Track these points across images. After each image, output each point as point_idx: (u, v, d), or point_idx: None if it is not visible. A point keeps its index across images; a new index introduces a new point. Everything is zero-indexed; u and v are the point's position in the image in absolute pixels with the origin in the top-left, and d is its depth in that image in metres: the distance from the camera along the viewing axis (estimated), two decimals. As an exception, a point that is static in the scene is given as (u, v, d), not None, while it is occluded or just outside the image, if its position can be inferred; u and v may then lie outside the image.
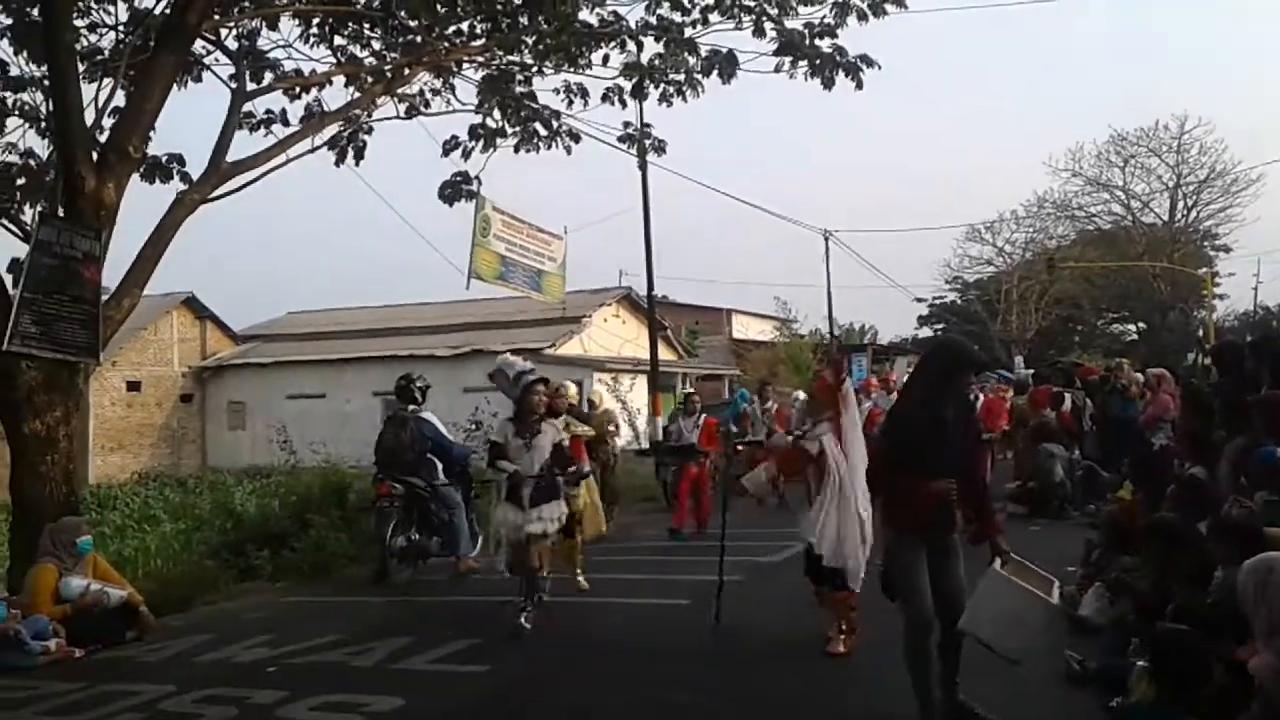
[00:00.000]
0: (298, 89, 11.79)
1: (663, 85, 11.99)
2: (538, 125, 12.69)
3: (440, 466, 10.38)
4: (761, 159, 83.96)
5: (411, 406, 10.41)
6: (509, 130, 12.63)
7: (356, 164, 12.34)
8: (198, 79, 11.32)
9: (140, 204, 9.70)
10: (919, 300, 51.28)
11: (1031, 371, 22.82)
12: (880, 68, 10.98)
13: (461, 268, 16.54)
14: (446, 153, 12.50)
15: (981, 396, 9.38)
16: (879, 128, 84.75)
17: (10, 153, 10.88)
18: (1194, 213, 45.70)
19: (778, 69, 11.15)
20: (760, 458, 13.56)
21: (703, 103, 12.04)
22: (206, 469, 31.52)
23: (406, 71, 12.00)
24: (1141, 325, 48.95)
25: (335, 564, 11.44)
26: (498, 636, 7.53)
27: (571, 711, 5.74)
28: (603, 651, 7.22)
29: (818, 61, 10.91)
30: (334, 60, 11.82)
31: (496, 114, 12.50)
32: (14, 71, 10.55)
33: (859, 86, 10.96)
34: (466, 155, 12.54)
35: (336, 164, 12.18)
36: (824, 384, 6.77)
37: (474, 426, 15.12)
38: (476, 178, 12.90)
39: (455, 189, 12.73)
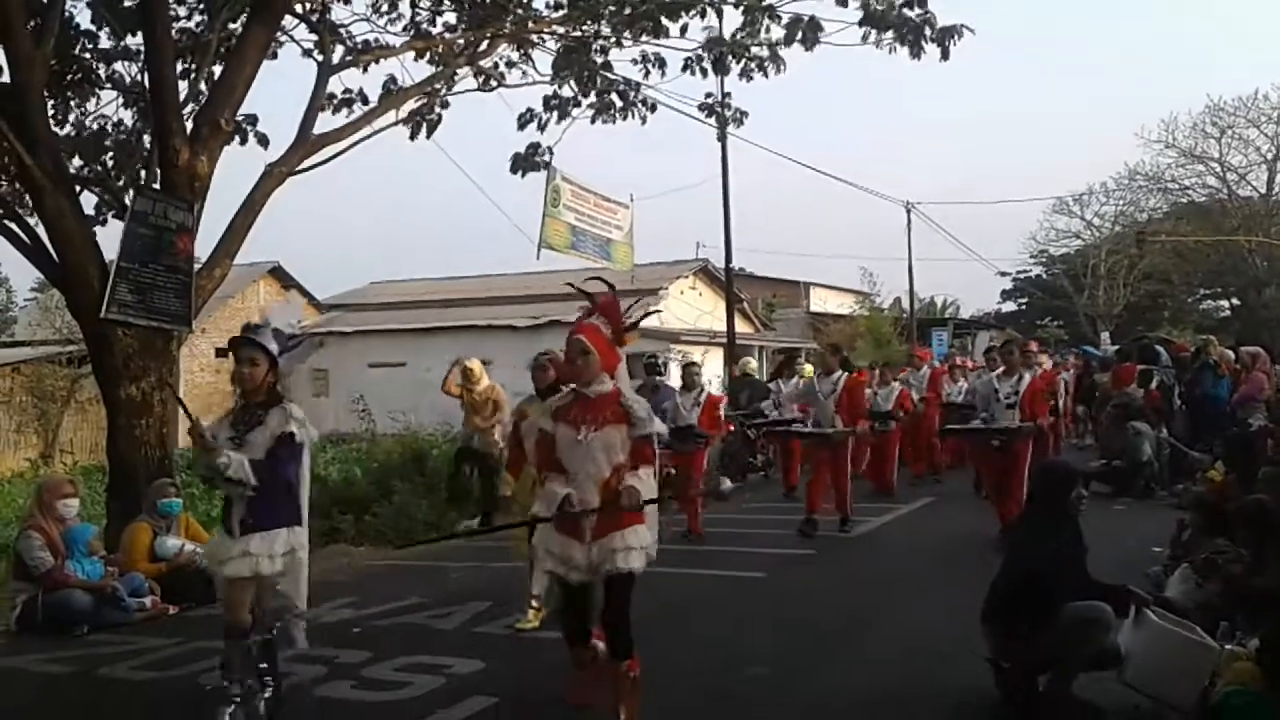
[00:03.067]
0: (370, 63, 11.85)
1: (744, 60, 11.84)
2: (613, 96, 12.61)
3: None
4: (843, 128, 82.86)
5: (658, 377, 12.29)
6: (583, 101, 12.57)
7: (428, 137, 12.38)
8: (273, 56, 11.45)
9: (225, 174, 9.91)
10: (1003, 274, 50.21)
11: (1115, 348, 22.28)
12: (974, 32, 10.67)
13: (534, 238, 16.67)
14: (522, 126, 12.53)
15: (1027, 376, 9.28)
16: (965, 95, 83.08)
17: (103, 123, 11.21)
18: (1293, 186, 44.00)
19: (864, 39, 10.92)
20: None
21: (784, 72, 11.86)
22: (291, 435, 32.21)
23: (486, 44, 12.05)
24: (1235, 301, 47.35)
25: (417, 530, 11.66)
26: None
27: (646, 681, 5.78)
28: (680, 620, 7.26)
29: (905, 31, 10.66)
30: (411, 34, 11.88)
31: (572, 84, 12.46)
32: (104, 44, 10.79)
33: (945, 57, 10.71)
34: (542, 128, 12.55)
35: (411, 138, 12.25)
36: (593, 334, 4.75)
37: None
38: (549, 149, 12.93)
39: (527, 160, 12.74)
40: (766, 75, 11.84)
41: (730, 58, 11.87)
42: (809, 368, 15.29)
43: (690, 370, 11.58)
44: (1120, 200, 46.66)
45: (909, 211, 34.85)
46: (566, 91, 12.49)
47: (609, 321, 4.85)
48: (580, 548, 4.64)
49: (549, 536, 4.73)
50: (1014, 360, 9.72)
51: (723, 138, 19.81)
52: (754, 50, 11.74)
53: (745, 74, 11.96)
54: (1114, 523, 10.18)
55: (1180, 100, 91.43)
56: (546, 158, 13.05)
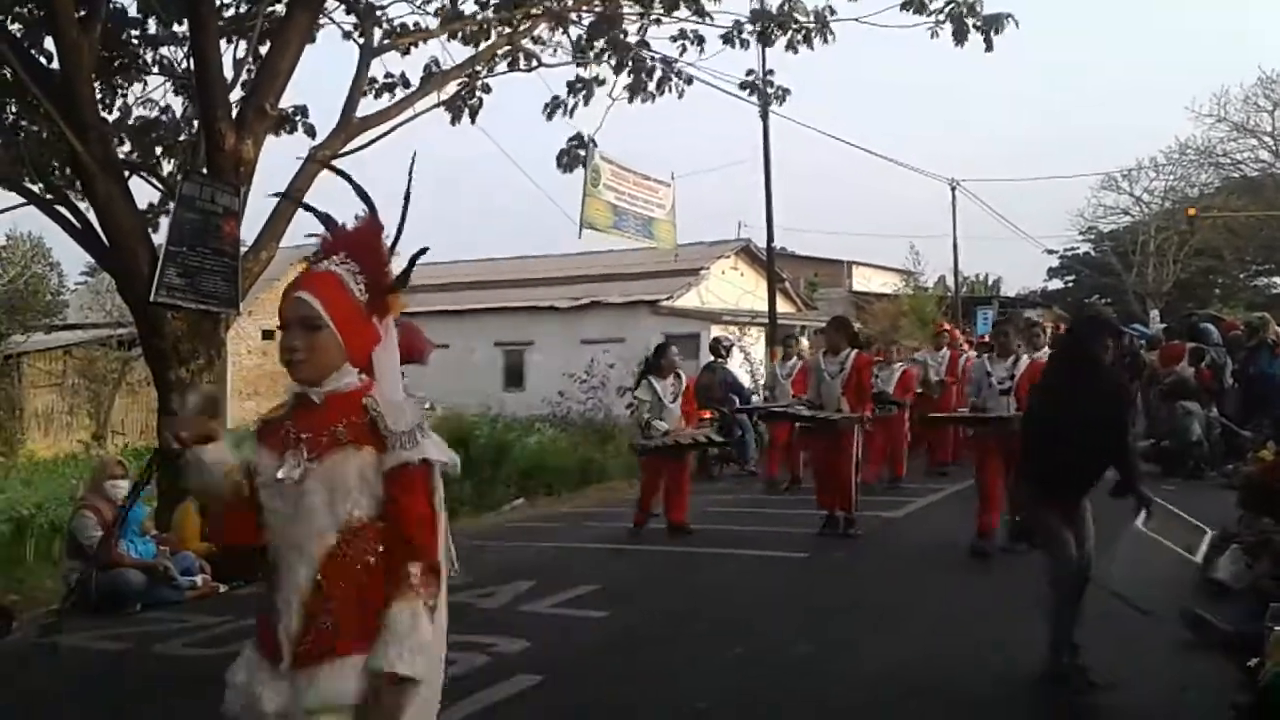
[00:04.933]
0: (410, 45, 11.83)
1: (790, 31, 11.66)
2: (645, 73, 12.30)
3: (737, 400, 13.69)
4: (886, 105, 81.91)
5: (720, 359, 13.72)
6: (615, 79, 12.32)
7: (472, 122, 12.36)
8: (311, 40, 11.45)
9: (270, 159, 10.00)
10: (1050, 252, 49.49)
11: (1164, 326, 21.93)
12: (1018, 25, 10.43)
13: (575, 218, 16.68)
14: (550, 115, 12.40)
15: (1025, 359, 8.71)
16: (1011, 69, 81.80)
17: (151, 108, 11.34)
18: (1347, 159, 42.97)
19: (908, 11, 10.74)
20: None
21: (827, 49, 11.67)
22: (336, 416, 32.59)
23: (526, 24, 12.00)
24: (1289, 278, 46.52)
25: (459, 509, 11.78)
26: (617, 583, 7.69)
27: (690, 659, 5.82)
28: (721, 601, 7.29)
29: (946, 16, 10.51)
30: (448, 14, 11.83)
31: (602, 64, 12.28)
32: (151, 30, 10.89)
33: (989, 48, 10.52)
34: (570, 113, 12.38)
35: (452, 123, 12.22)
36: (329, 290, 2.52)
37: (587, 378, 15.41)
38: (592, 139, 12.85)
39: (572, 155, 12.62)
40: (812, 47, 11.67)
41: (776, 29, 11.67)
42: (805, 343, 14.29)
43: (664, 352, 10.18)
44: (1170, 175, 45.81)
45: (954, 189, 34.47)
46: (593, 72, 12.30)
47: (363, 267, 2.62)
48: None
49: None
50: (1008, 341, 8.56)
51: (765, 115, 19.65)
52: (800, 20, 11.55)
53: (791, 45, 11.77)
54: (1163, 503, 10.05)
55: (1232, 73, 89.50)
56: (586, 137, 12.94)
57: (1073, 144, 67.80)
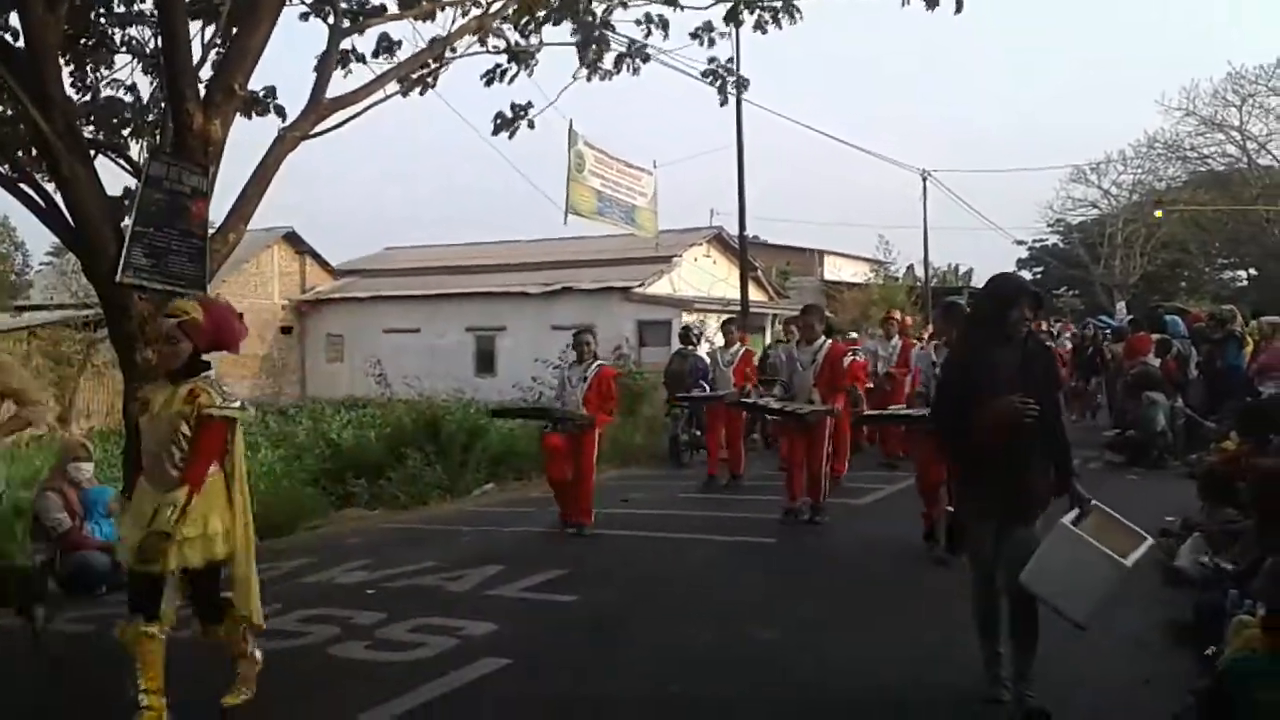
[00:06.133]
0: (369, 26, 11.62)
1: (758, 11, 11.63)
2: (600, 48, 11.86)
3: (706, 388, 13.07)
4: (859, 97, 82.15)
5: (690, 347, 13.58)
6: (579, 57, 12.12)
7: (421, 95, 12.12)
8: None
9: (239, 139, 9.89)
10: (1019, 243, 49.98)
11: (1130, 318, 22.20)
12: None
13: (555, 201, 16.67)
14: (489, 83, 12.20)
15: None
16: (981, 60, 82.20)
17: (118, 89, 11.18)
18: (1315, 155, 43.50)
19: None
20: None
21: (799, 37, 11.73)
22: (306, 399, 32.44)
23: (496, 6, 11.88)
24: (1253, 271, 47.03)
25: (429, 494, 11.77)
26: (586, 568, 7.72)
27: (658, 643, 5.85)
28: (690, 586, 7.33)
29: None
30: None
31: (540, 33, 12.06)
32: (118, 8, 10.71)
33: (959, 8, 10.60)
34: (511, 80, 12.02)
35: (403, 95, 11.94)
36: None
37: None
38: (569, 123, 12.67)
39: (509, 121, 12.01)
40: (780, 26, 11.65)
41: (743, 9, 11.61)
42: (725, 331, 13.45)
43: (581, 339, 9.73)
44: (1139, 169, 46.31)
45: (925, 179, 34.66)
46: (535, 41, 12.07)
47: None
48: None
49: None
50: (949, 329, 7.81)
51: (726, 102, 19.48)
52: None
53: (759, 26, 11.75)
54: (1127, 492, 10.18)
55: (1202, 68, 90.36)
56: (534, 117, 12.57)
57: (1041, 140, 68.49)
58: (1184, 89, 50.61)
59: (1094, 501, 4.63)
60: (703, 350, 14.04)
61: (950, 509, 7.06)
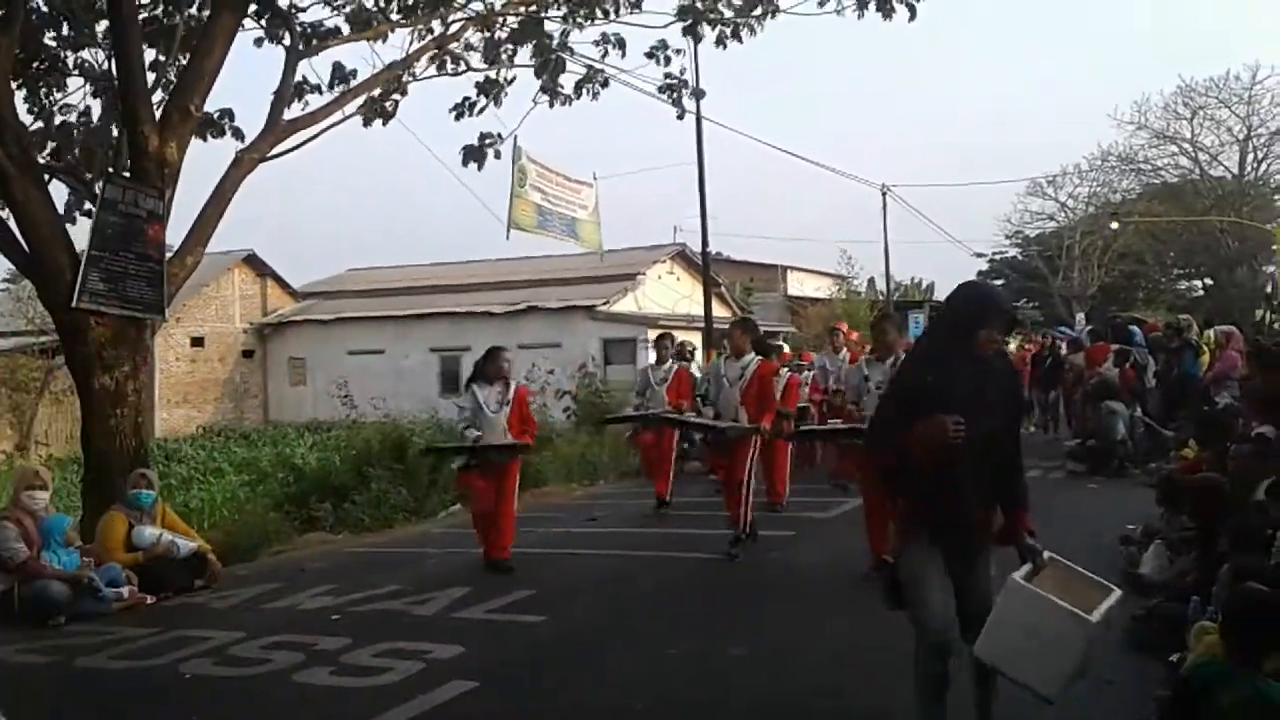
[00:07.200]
0: (323, 49, 11.58)
1: (718, 27, 11.74)
2: (557, 73, 12.02)
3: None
4: (819, 114, 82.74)
5: (682, 362, 12.42)
6: (538, 82, 12.15)
7: (384, 124, 12.09)
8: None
9: (198, 161, 9.83)
10: (979, 255, 50.42)
11: (1089, 329, 22.48)
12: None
13: (502, 219, 16.66)
14: (458, 116, 12.20)
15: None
16: (936, 77, 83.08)
17: (70, 113, 11.07)
18: (1265, 166, 44.20)
19: (821, 2, 11.00)
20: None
21: (760, 56, 11.89)
22: (269, 423, 32.12)
23: (454, 29, 11.89)
24: (1208, 281, 47.80)
25: (395, 517, 11.66)
26: (553, 588, 7.68)
27: (625, 662, 5.83)
28: (656, 604, 7.31)
29: None
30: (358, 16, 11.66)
31: (513, 67, 12.14)
32: (66, 31, 10.59)
33: (913, 16, 10.79)
34: (479, 113, 12.07)
35: (365, 124, 11.93)
36: None
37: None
38: (514, 136, 12.64)
39: (479, 152, 12.16)
40: (740, 40, 11.78)
41: (704, 24, 11.72)
42: (657, 347, 12.36)
43: (494, 357, 9.09)
44: (1094, 181, 46.94)
45: (885, 194, 34.94)
46: (505, 74, 12.16)
47: None
48: None
49: None
50: (886, 340, 7.70)
51: (683, 116, 19.64)
52: (724, 14, 11.64)
53: (720, 41, 11.87)
54: (1088, 502, 10.29)
55: (1152, 81, 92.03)
56: (498, 143, 12.53)
57: (997, 155, 69.33)
58: (1135, 103, 51.52)
59: (1048, 554, 4.06)
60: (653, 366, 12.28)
61: (888, 559, 5.44)
